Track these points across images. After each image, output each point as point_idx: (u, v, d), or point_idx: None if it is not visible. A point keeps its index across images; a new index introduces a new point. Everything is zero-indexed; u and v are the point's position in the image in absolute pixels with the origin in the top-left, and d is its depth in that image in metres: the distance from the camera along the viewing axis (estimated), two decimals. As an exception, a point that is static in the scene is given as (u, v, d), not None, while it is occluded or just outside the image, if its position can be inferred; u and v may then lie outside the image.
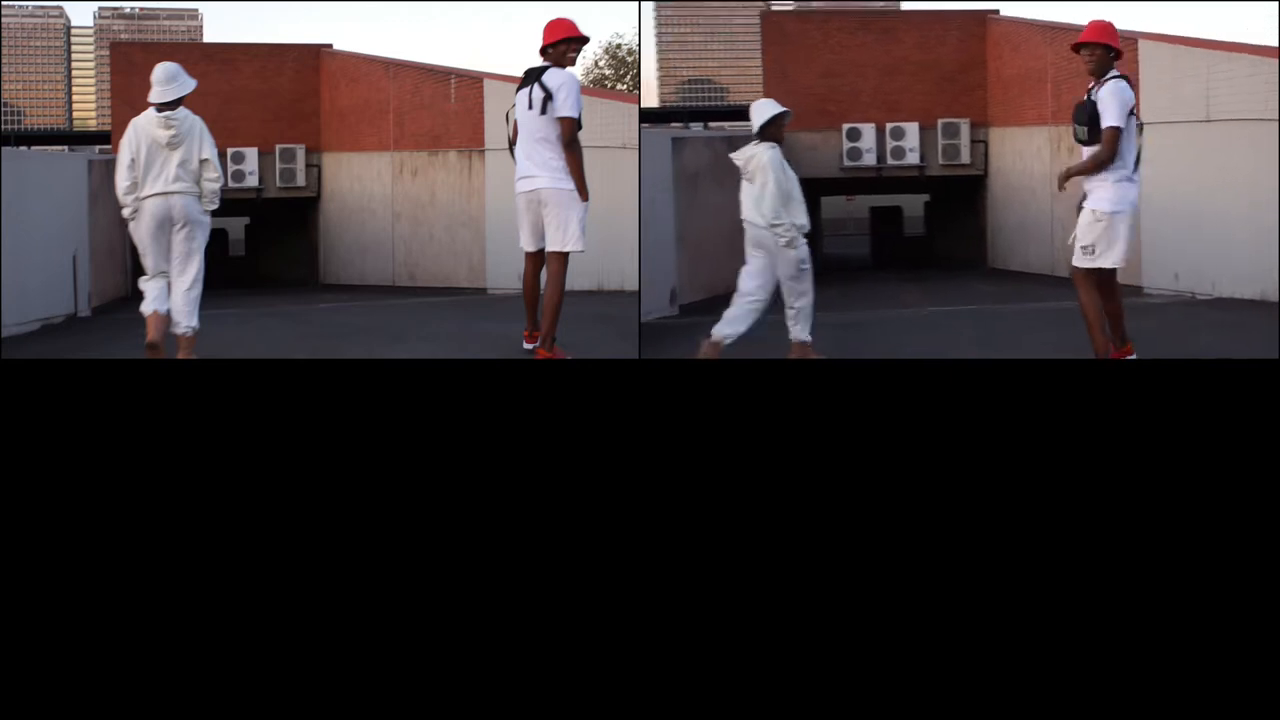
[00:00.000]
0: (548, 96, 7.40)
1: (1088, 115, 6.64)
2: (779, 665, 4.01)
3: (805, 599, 4.10)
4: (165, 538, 4.14)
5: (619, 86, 39.27)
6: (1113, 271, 6.81)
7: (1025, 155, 13.95)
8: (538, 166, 7.50)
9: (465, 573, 4.13)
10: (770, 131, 7.34)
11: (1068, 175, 6.89)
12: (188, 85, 7.25)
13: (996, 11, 15.33)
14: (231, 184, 14.64)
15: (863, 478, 4.26)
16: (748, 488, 4.26)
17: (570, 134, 7.41)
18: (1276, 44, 10.60)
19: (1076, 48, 6.77)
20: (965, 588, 4.12)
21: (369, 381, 4.45)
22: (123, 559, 4.10)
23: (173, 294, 7.26)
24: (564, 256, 7.51)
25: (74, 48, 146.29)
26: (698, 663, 4.02)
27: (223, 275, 12.24)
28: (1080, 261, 6.75)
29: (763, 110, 7.40)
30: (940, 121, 14.94)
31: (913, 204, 17.77)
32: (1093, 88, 6.70)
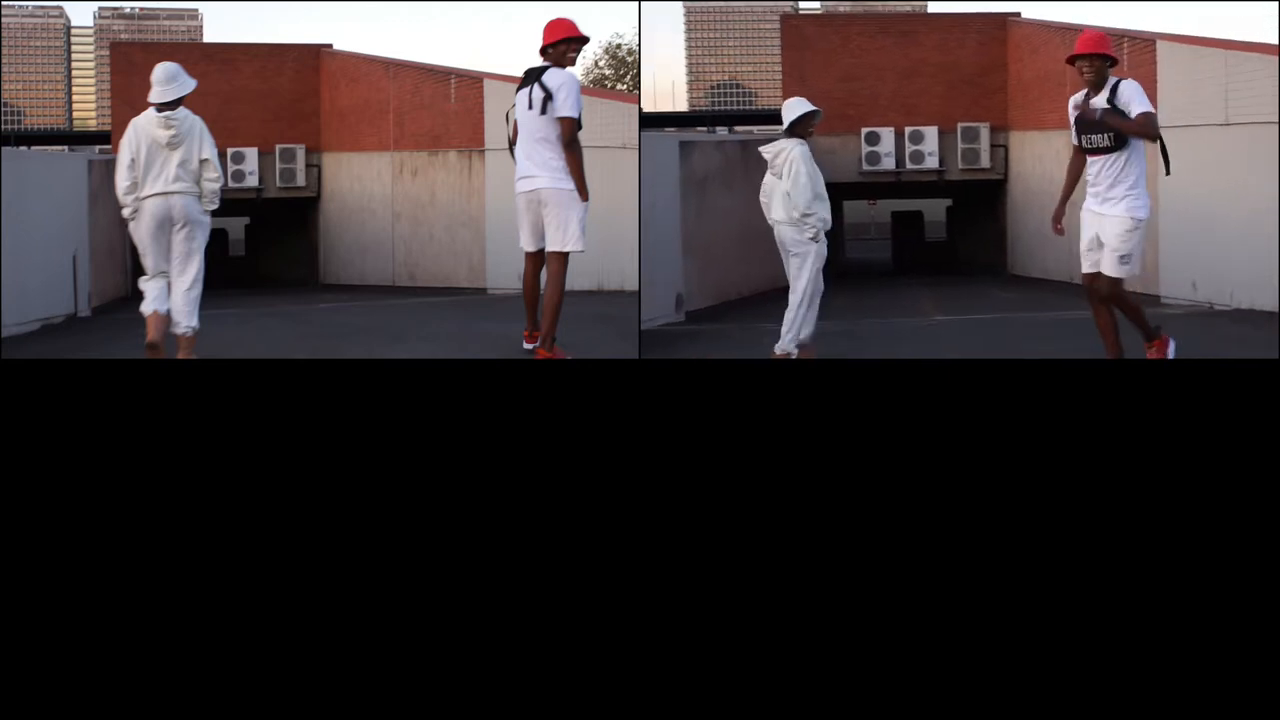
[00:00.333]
0: (548, 96, 7.40)
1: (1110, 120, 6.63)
2: (780, 665, 4.01)
3: (805, 600, 4.10)
4: (166, 537, 4.14)
5: (619, 86, 39.26)
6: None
7: (1045, 159, 13.83)
8: (538, 166, 7.50)
9: (465, 572, 4.13)
10: (799, 129, 7.44)
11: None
12: (188, 85, 7.25)
13: (1018, 14, 15.20)
14: (231, 184, 14.63)
15: (862, 478, 4.26)
16: (747, 487, 4.26)
17: (570, 134, 7.41)
18: (1277, 44, 10.52)
19: (1072, 60, 6.76)
20: (964, 587, 4.12)
21: (369, 381, 4.45)
22: (123, 559, 4.10)
23: (173, 294, 7.26)
24: (564, 256, 7.51)
25: (74, 48, 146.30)
26: (698, 663, 4.02)
27: (223, 275, 12.24)
28: (1117, 271, 6.71)
29: (793, 108, 7.53)
30: (960, 125, 14.79)
31: (935, 208, 17.65)
32: (1094, 97, 6.70)
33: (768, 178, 7.68)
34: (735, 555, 4.16)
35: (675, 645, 4.03)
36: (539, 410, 4.37)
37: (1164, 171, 6.93)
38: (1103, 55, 6.65)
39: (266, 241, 16.67)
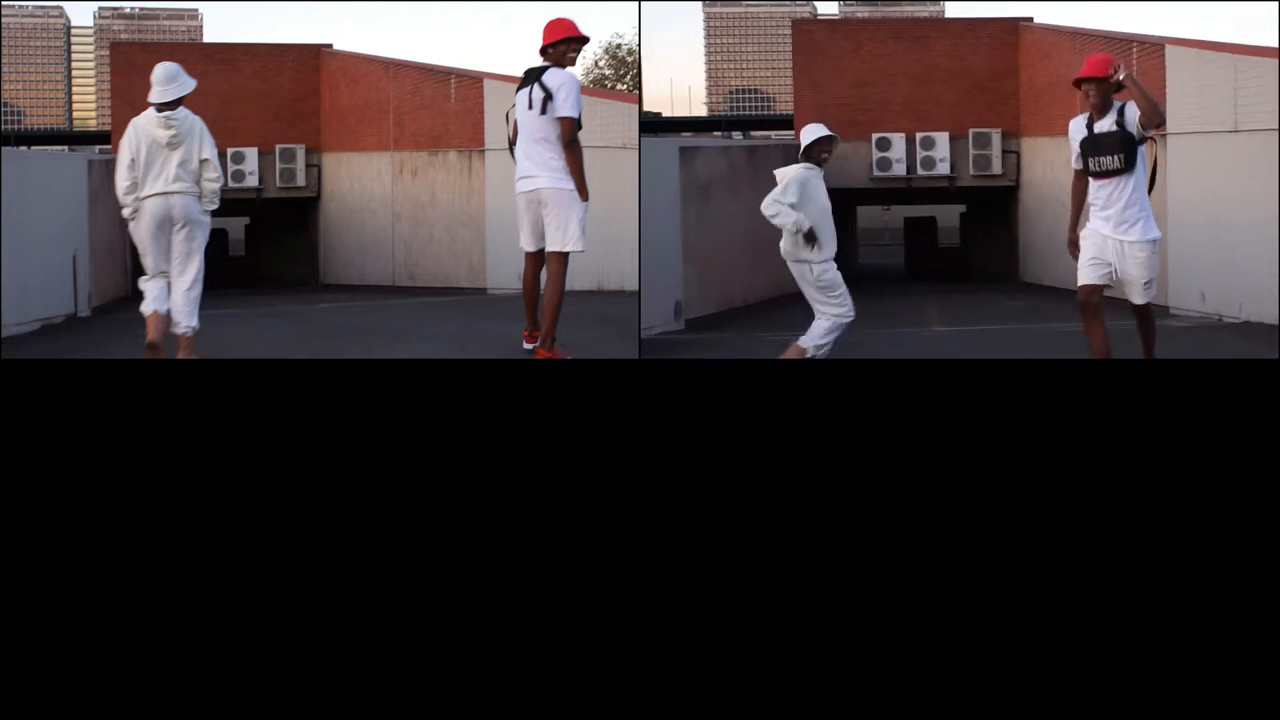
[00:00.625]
0: (548, 96, 7.41)
1: (1119, 142, 6.64)
2: (780, 666, 4.01)
3: (805, 599, 4.10)
4: (166, 538, 4.14)
5: (619, 86, 39.26)
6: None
7: (1056, 166, 13.73)
8: (538, 166, 7.50)
9: (464, 572, 4.13)
10: (812, 153, 7.35)
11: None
12: (188, 85, 7.25)
13: (1030, 19, 15.11)
14: (231, 184, 14.63)
15: (861, 478, 4.26)
16: (746, 488, 4.26)
17: (570, 134, 7.42)
18: (1277, 44, 10.45)
19: (1078, 83, 6.78)
20: (963, 587, 4.12)
21: (369, 381, 4.45)
22: (123, 559, 4.10)
23: (173, 294, 7.27)
24: (564, 256, 7.51)
25: (74, 48, 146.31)
26: (698, 663, 4.02)
27: (223, 275, 12.24)
28: (1144, 297, 6.80)
29: (808, 133, 7.45)
30: (971, 131, 14.69)
31: (950, 214, 17.52)
32: (1099, 121, 6.72)
33: None
34: (734, 555, 4.16)
35: (676, 645, 4.03)
36: (540, 410, 4.37)
37: (1147, 189, 6.88)
38: (1108, 79, 6.68)
39: (266, 241, 16.66)
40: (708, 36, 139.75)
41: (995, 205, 15.38)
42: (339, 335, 9.80)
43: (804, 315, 7.30)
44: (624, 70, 39.97)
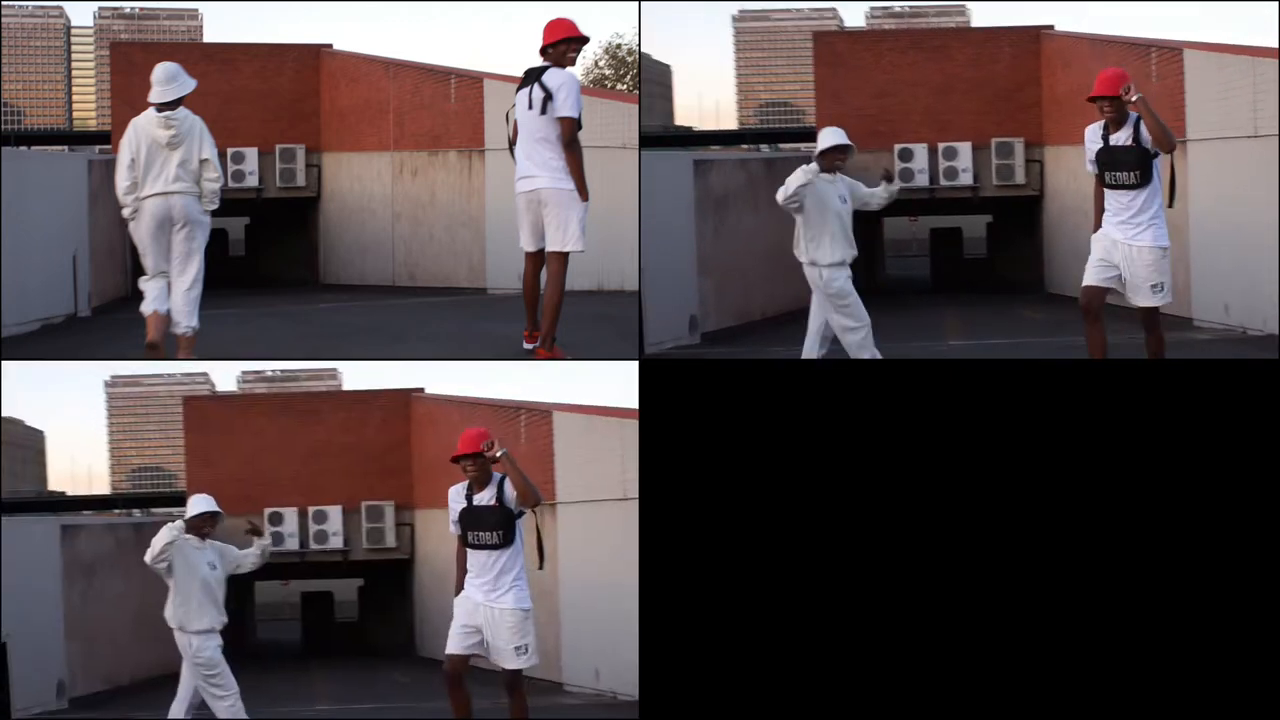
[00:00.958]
0: (548, 96, 7.40)
1: (1135, 158, 6.65)
2: (781, 664, 4.00)
3: (804, 598, 4.10)
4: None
5: (619, 86, 39.26)
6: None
7: (1079, 175, 13.50)
8: (538, 166, 7.50)
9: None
10: (823, 160, 7.34)
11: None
12: (188, 85, 7.25)
13: (1051, 27, 14.98)
14: (231, 184, 14.59)
15: (861, 476, 4.26)
16: (749, 488, 4.25)
17: (570, 134, 7.42)
18: (1278, 44, 10.34)
19: (1092, 98, 6.80)
20: (961, 587, 4.12)
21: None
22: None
23: (173, 294, 7.27)
24: (564, 256, 7.51)
25: (74, 48, 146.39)
26: (696, 664, 4.01)
27: (223, 275, 12.22)
28: (1153, 301, 6.74)
29: (822, 139, 7.44)
30: (994, 141, 14.51)
31: (976, 225, 17.34)
32: (1115, 134, 6.74)
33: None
34: (735, 554, 4.15)
35: (673, 644, 4.02)
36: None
37: (1167, 203, 6.87)
38: (1120, 97, 6.70)
39: (266, 241, 16.65)
40: (737, 51, 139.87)
41: (1019, 215, 15.20)
42: (339, 335, 9.81)
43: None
44: (624, 70, 39.98)
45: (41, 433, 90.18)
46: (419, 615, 14.26)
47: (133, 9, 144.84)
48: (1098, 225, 7.03)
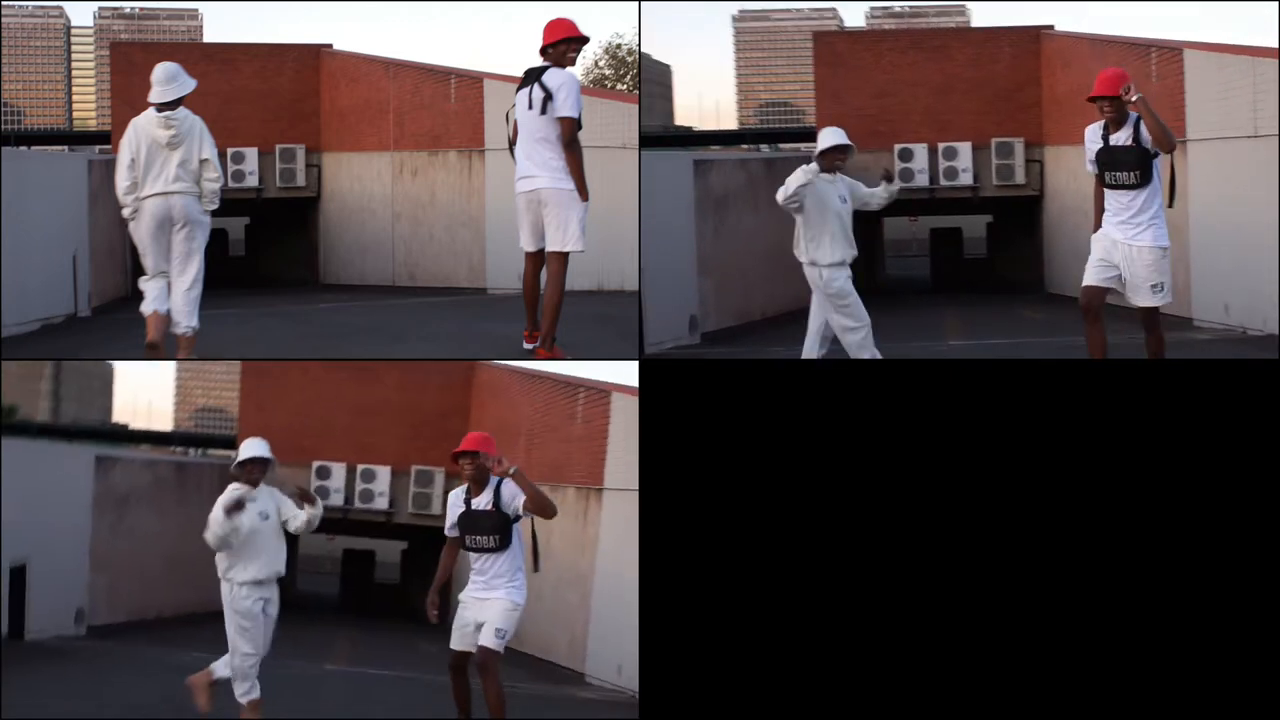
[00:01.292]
0: (548, 96, 7.40)
1: (1135, 158, 6.65)
2: (780, 662, 4.01)
3: (803, 598, 4.10)
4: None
5: (619, 86, 39.26)
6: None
7: (1079, 175, 13.52)
8: (538, 166, 7.50)
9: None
10: (823, 160, 7.34)
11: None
12: (188, 85, 7.24)
13: (1051, 27, 14.91)
14: (231, 184, 14.61)
15: (861, 477, 4.26)
16: (749, 487, 4.25)
17: (570, 134, 7.41)
18: (1278, 44, 10.31)
19: (1093, 99, 6.79)
20: (961, 586, 4.12)
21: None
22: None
23: (173, 294, 7.27)
24: (564, 256, 7.51)
25: (74, 48, 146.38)
26: (697, 662, 4.01)
27: (223, 275, 12.22)
28: (1152, 300, 6.73)
29: (822, 139, 7.43)
30: (994, 141, 14.53)
31: (976, 225, 17.33)
32: (1115, 134, 6.74)
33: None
34: (734, 555, 4.15)
35: (673, 642, 4.02)
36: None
37: (1167, 203, 6.87)
38: (1119, 97, 6.70)
39: (266, 241, 16.67)
40: (737, 51, 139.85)
41: (1019, 215, 15.19)
42: (339, 335, 9.81)
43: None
44: (624, 70, 39.98)
45: (111, 366, 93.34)
46: (1047, 251, 14.48)
47: (133, 9, 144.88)
48: (1098, 225, 7.02)
